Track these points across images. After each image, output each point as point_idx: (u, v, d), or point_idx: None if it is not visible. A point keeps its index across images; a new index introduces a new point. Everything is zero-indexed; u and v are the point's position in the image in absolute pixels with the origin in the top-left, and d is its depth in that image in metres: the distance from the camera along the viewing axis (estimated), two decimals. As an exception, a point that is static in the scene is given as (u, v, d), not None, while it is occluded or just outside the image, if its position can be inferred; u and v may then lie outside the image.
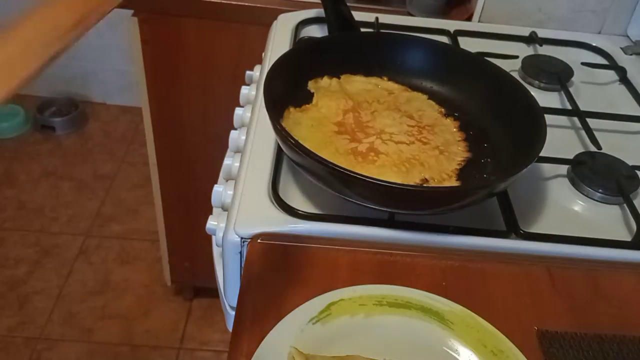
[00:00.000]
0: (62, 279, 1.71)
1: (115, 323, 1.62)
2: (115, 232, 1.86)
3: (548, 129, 0.62)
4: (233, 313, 0.54)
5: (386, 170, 0.62)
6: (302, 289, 0.53)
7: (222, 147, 0.78)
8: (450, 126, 0.70)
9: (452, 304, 0.53)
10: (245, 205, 0.61)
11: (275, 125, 0.59)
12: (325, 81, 0.73)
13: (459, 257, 0.59)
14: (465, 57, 0.77)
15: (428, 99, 0.74)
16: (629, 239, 0.63)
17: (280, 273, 0.56)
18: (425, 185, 0.62)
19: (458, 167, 0.65)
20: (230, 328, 0.59)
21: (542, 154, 0.60)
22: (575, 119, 0.80)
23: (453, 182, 0.63)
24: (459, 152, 0.67)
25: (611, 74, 0.92)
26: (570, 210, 0.67)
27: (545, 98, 0.83)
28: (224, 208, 0.67)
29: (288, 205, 0.61)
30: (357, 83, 0.75)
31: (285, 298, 0.53)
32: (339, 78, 0.75)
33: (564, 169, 0.71)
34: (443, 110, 0.72)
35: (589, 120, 0.78)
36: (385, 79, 0.76)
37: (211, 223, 0.66)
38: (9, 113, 2.17)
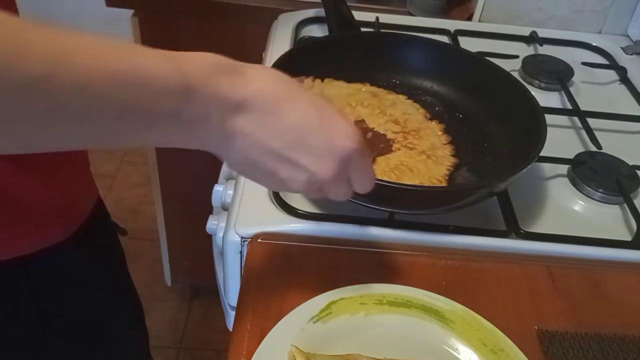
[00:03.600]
0: (62, 279, 1.71)
1: (115, 322, 1.62)
2: (115, 231, 1.86)
3: (548, 128, 0.63)
4: (233, 313, 0.54)
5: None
6: (302, 289, 0.53)
7: (222, 147, 0.78)
8: (435, 129, 0.70)
9: (453, 302, 0.53)
10: (245, 204, 0.61)
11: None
12: (307, 83, 0.70)
13: (459, 256, 0.59)
14: (466, 57, 0.77)
15: (411, 101, 0.73)
16: (629, 239, 0.63)
17: (280, 273, 0.56)
18: (423, 185, 0.62)
19: (447, 171, 0.64)
20: (230, 328, 0.59)
21: (542, 153, 0.60)
22: (576, 118, 0.80)
23: None
24: (446, 156, 0.66)
25: (611, 74, 0.92)
26: (570, 210, 0.67)
27: (546, 98, 0.83)
28: (224, 208, 0.67)
29: (288, 205, 0.61)
30: (337, 88, 0.72)
31: (285, 297, 0.53)
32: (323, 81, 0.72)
33: (564, 168, 0.71)
34: (427, 113, 0.72)
35: (589, 120, 0.78)
36: (367, 84, 0.73)
37: (211, 223, 0.66)
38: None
